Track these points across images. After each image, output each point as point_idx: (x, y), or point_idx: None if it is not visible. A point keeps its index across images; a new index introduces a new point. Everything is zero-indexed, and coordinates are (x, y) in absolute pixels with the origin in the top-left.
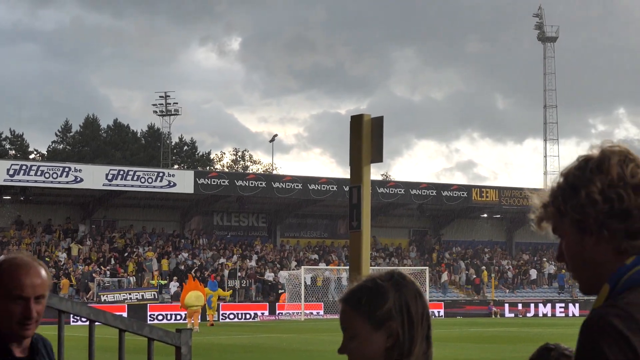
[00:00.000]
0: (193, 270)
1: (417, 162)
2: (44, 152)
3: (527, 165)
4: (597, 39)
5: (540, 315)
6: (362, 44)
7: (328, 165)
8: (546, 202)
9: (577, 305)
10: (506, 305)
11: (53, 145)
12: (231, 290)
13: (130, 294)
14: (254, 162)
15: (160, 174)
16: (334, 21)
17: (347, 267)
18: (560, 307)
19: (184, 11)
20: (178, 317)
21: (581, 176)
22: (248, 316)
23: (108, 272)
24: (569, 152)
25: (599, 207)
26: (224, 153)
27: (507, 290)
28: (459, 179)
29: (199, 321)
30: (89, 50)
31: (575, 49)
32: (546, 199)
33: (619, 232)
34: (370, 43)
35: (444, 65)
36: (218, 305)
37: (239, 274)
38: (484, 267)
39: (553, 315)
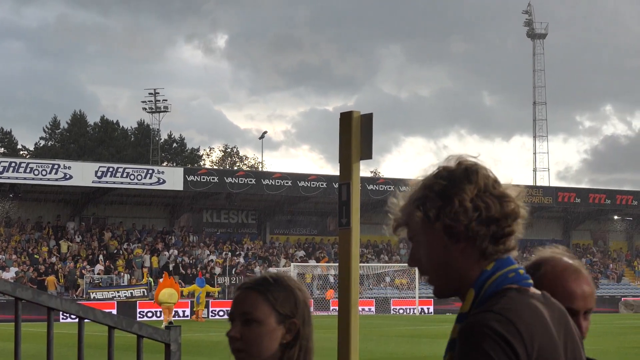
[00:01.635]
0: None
1: (405, 158)
2: (32, 149)
3: (515, 162)
4: (583, 36)
5: None
6: (347, 41)
7: (317, 161)
8: (410, 209)
9: None
10: None
11: (41, 142)
12: (219, 287)
13: (119, 291)
14: (242, 159)
15: (150, 171)
16: (319, 19)
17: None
18: None
19: (170, 9)
20: (172, 315)
21: (452, 185)
22: None
23: (97, 269)
24: (557, 149)
25: (470, 215)
26: (212, 148)
27: None
28: None
29: (172, 317)
30: (74, 48)
31: (562, 46)
32: (411, 206)
33: (486, 237)
34: (356, 40)
35: (431, 62)
36: (207, 302)
37: (228, 271)
38: None
39: None
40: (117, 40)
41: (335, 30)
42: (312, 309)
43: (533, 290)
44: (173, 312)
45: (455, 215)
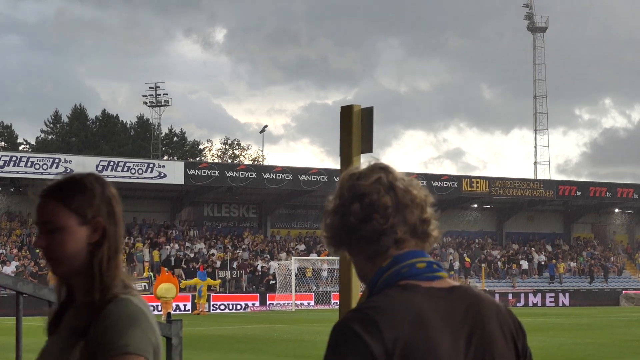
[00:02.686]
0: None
1: (406, 152)
2: (33, 142)
3: (515, 155)
4: (583, 30)
5: (531, 305)
6: (345, 35)
7: (317, 155)
8: (324, 221)
9: (567, 295)
10: (496, 295)
11: (42, 136)
12: (220, 280)
13: None
14: (243, 150)
15: (151, 165)
16: (316, 13)
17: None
18: (550, 297)
19: (167, 2)
20: (171, 309)
21: (344, 200)
22: (239, 307)
23: None
24: (557, 142)
25: (336, 225)
26: (211, 141)
27: (499, 279)
28: (449, 167)
29: (171, 311)
30: (72, 43)
31: (561, 39)
32: (325, 218)
33: (359, 244)
34: (354, 34)
35: (430, 56)
36: (209, 295)
37: (229, 265)
38: (464, 254)
39: (543, 305)
40: (115, 35)
41: (333, 23)
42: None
43: (430, 284)
44: (173, 306)
45: (327, 227)
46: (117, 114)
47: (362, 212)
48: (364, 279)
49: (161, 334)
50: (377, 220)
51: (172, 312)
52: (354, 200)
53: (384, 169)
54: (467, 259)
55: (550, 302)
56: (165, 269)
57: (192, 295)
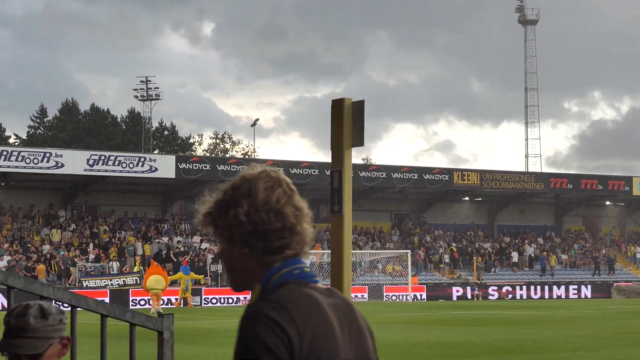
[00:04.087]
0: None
1: (396, 145)
2: (24, 137)
3: (505, 147)
4: (571, 23)
5: (525, 297)
6: (334, 28)
7: (308, 148)
8: (207, 211)
9: (561, 287)
10: (489, 288)
11: (31, 131)
12: (203, 275)
13: (112, 279)
14: (236, 143)
15: (142, 159)
16: (304, 6)
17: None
18: (541, 290)
19: None
20: (160, 302)
21: (233, 197)
22: (230, 300)
23: (90, 258)
24: (546, 135)
25: (244, 227)
26: (201, 135)
27: (491, 271)
28: (439, 160)
29: (161, 303)
30: (61, 37)
31: (550, 32)
32: (208, 208)
33: (259, 249)
34: (343, 27)
35: (419, 49)
36: (200, 289)
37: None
38: (454, 245)
39: (541, 297)
40: (104, 29)
41: (321, 17)
42: None
43: (317, 285)
44: (162, 300)
45: (230, 226)
46: (107, 108)
47: (276, 227)
48: (244, 276)
49: (153, 327)
50: (284, 236)
51: (162, 306)
52: (272, 214)
53: (282, 180)
54: (454, 248)
55: (541, 294)
56: (155, 261)
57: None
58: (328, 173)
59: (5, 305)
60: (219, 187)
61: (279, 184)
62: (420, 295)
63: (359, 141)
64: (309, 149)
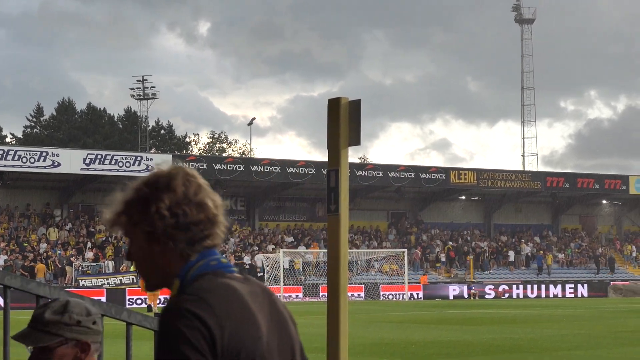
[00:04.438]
0: None
1: (393, 144)
2: (20, 136)
3: (502, 146)
4: (568, 22)
5: (521, 296)
6: (330, 27)
7: (305, 147)
8: (119, 210)
9: (558, 286)
10: (486, 287)
11: (27, 130)
12: None
13: (108, 278)
14: (232, 143)
15: (139, 158)
16: (300, 5)
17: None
18: (537, 289)
19: None
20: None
21: (152, 193)
22: None
23: (86, 257)
24: (542, 133)
25: (167, 221)
26: (197, 134)
27: (488, 271)
28: (435, 159)
29: (157, 303)
30: (57, 36)
31: (547, 31)
32: (119, 207)
33: (183, 241)
34: (339, 26)
35: (415, 48)
36: None
37: None
38: (451, 243)
39: (538, 296)
40: (100, 28)
41: (317, 16)
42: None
43: (234, 274)
44: (158, 299)
45: (153, 222)
46: (103, 107)
47: (199, 219)
48: (162, 273)
49: (149, 327)
50: (206, 227)
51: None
52: (193, 206)
53: (196, 174)
54: (449, 247)
55: (538, 294)
56: None
57: None
58: (324, 172)
59: (2, 304)
60: (128, 186)
61: (194, 178)
62: (417, 294)
63: (355, 140)
64: (306, 148)
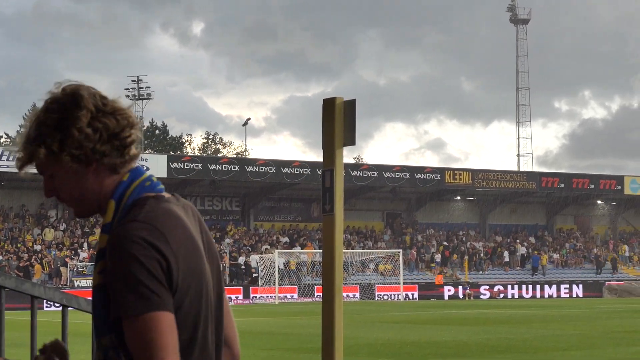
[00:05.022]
0: None
1: (388, 144)
2: (14, 136)
3: (496, 146)
4: (562, 22)
5: (516, 297)
6: (324, 27)
7: (299, 147)
8: (32, 148)
9: (553, 287)
10: (480, 287)
11: (22, 130)
12: None
13: None
14: (226, 145)
15: None
16: (294, 5)
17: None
18: (532, 289)
19: None
20: None
21: (66, 115)
22: None
23: (82, 257)
24: (537, 134)
25: (92, 138)
26: (190, 135)
27: (482, 272)
28: (430, 158)
29: None
30: (51, 36)
31: (541, 31)
32: (33, 141)
33: (112, 153)
34: (333, 26)
35: (409, 48)
36: None
37: None
38: (445, 244)
39: (533, 296)
40: (93, 28)
41: (311, 16)
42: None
43: (166, 194)
44: None
45: (79, 143)
46: None
47: (120, 126)
48: (95, 197)
49: None
50: (129, 133)
51: None
52: (110, 115)
53: (92, 87)
54: (442, 247)
55: (533, 294)
56: None
57: None
58: (319, 172)
59: None
60: (30, 118)
61: (94, 89)
62: (412, 294)
63: (350, 140)
64: (301, 148)
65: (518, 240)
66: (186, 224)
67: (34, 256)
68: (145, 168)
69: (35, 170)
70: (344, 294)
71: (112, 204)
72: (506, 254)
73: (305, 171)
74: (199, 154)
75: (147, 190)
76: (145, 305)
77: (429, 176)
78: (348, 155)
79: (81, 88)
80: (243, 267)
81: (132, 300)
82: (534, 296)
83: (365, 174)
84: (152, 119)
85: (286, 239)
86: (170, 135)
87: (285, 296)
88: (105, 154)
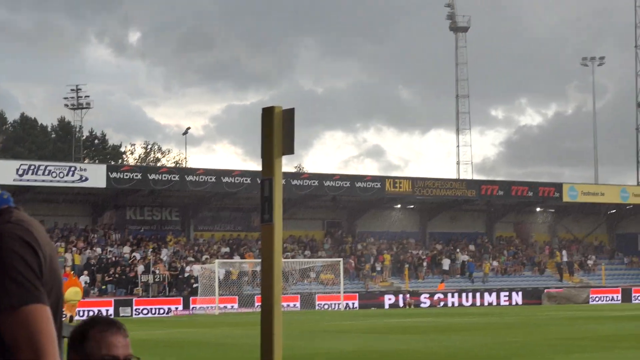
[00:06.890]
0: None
1: (327, 152)
2: None
3: (435, 154)
4: (497, 29)
5: (456, 305)
6: (260, 35)
7: (239, 156)
8: None
9: (492, 294)
10: (421, 295)
11: None
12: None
13: None
14: (165, 153)
15: (72, 169)
16: (229, 14)
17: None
18: (472, 297)
19: (79, 5)
20: (91, 312)
21: None
22: (162, 311)
23: None
24: (474, 141)
25: None
26: (133, 144)
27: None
28: (370, 166)
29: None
30: None
31: (478, 39)
32: None
33: None
34: (269, 35)
35: (346, 56)
36: (131, 300)
37: (152, 268)
38: (385, 253)
39: (473, 304)
40: (28, 38)
41: (247, 24)
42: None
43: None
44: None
45: None
46: (34, 117)
47: None
48: None
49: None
50: None
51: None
52: None
53: None
54: (386, 256)
55: (472, 302)
56: (72, 272)
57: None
58: (259, 181)
59: None
60: None
61: None
62: (353, 303)
63: (289, 149)
64: (241, 157)
65: (458, 250)
66: (43, 231)
67: None
68: (84, 178)
69: None
70: (285, 304)
71: None
72: (446, 262)
73: (246, 180)
74: (138, 164)
75: (6, 203)
76: (29, 296)
77: (369, 184)
78: (289, 164)
79: None
80: (181, 276)
81: (17, 292)
82: (474, 304)
83: (305, 182)
84: (91, 129)
85: (227, 249)
86: (109, 145)
87: (226, 306)
88: None
